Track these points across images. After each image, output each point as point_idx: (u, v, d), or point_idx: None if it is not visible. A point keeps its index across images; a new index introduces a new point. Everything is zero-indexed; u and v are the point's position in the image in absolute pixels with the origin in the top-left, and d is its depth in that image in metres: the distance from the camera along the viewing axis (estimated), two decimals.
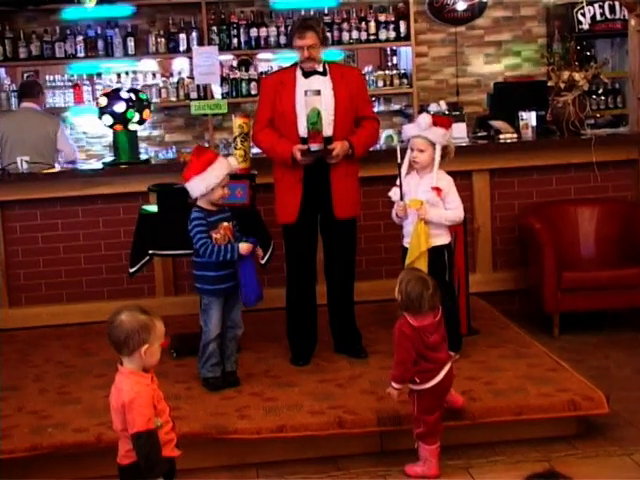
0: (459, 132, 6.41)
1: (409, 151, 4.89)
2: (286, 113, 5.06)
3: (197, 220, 4.61)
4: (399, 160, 4.85)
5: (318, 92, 4.93)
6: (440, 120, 4.92)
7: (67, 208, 6.28)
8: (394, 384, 3.95)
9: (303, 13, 8.40)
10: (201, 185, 4.59)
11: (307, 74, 5.09)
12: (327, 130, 5.00)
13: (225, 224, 4.67)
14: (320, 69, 5.11)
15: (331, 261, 5.24)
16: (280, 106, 5.08)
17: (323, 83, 5.05)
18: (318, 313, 5.25)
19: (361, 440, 4.32)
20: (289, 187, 5.12)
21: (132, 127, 6.17)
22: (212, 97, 8.08)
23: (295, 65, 5.20)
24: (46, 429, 4.29)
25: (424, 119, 4.86)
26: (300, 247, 5.18)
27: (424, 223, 4.75)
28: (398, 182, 4.86)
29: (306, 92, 4.94)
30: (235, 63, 8.67)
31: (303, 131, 5.01)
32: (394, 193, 4.92)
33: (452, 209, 4.85)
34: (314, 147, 4.94)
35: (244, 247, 4.61)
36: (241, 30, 8.38)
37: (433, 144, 4.81)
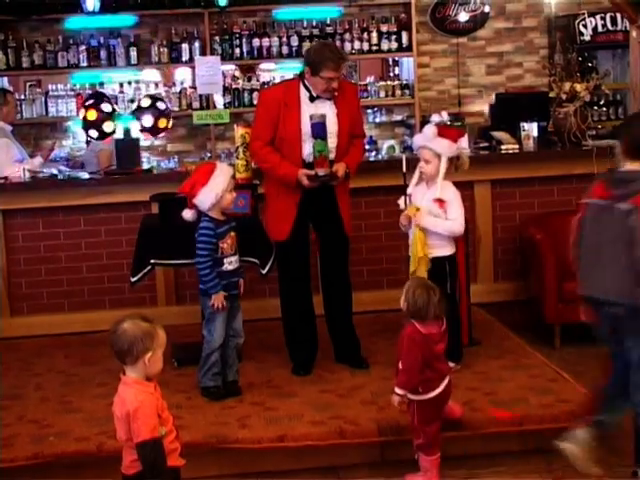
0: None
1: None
2: (291, 137, 4.98)
3: (206, 229, 4.62)
4: (404, 169, 4.87)
5: (323, 117, 4.89)
6: (446, 131, 4.88)
7: (69, 217, 6.28)
8: (398, 390, 3.93)
9: (306, 24, 8.44)
10: (211, 194, 4.58)
11: (313, 97, 5.01)
12: (330, 154, 4.98)
13: (232, 234, 4.70)
14: None
15: (330, 276, 5.22)
16: (284, 129, 4.99)
17: (329, 107, 5.00)
18: (317, 323, 5.25)
19: (362, 450, 4.32)
20: (284, 206, 5.08)
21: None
22: (214, 107, 8.11)
23: (298, 79, 5.10)
24: (47, 438, 4.30)
25: (429, 129, 4.87)
26: (293, 263, 5.15)
27: (420, 230, 4.77)
28: (408, 191, 4.88)
29: (311, 117, 4.89)
30: (237, 73, 8.68)
31: (307, 156, 4.98)
32: (402, 202, 4.94)
33: (451, 220, 4.84)
34: (321, 172, 4.94)
35: (219, 299, 4.63)
36: (243, 40, 8.41)
37: (440, 155, 4.82)
